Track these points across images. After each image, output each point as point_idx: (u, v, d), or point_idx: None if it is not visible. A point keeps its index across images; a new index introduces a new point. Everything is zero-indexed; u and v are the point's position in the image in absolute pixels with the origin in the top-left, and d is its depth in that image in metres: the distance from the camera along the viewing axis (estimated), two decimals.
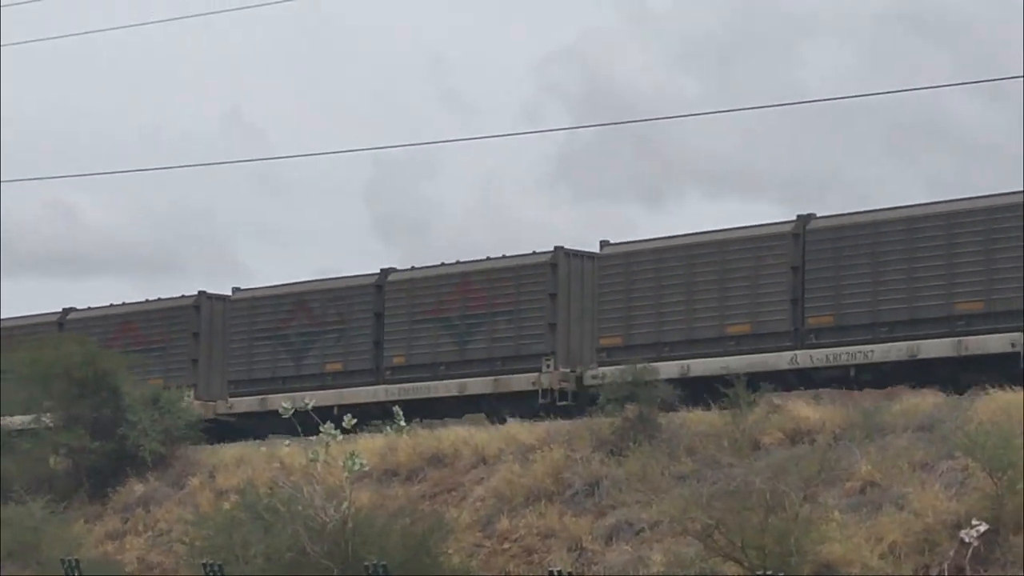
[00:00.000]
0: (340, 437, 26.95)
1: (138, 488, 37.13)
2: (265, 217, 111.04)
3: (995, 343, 29.63)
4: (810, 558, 22.33)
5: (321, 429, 26.40)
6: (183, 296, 42.69)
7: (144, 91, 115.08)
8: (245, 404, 40.61)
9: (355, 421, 27.55)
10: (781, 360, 32.46)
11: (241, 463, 35.59)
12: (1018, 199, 29.51)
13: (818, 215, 34.64)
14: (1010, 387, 27.19)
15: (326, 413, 30.37)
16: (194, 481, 36.39)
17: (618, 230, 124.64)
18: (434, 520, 26.88)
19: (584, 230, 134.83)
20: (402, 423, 28.58)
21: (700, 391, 32.05)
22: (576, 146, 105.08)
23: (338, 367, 39.59)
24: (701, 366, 33.25)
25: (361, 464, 26.94)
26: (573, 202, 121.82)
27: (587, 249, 37.77)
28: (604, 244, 36.24)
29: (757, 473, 24.60)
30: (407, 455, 32.98)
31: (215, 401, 41.17)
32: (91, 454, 38.60)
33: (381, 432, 31.79)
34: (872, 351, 31.91)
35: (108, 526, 36.14)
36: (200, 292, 42.12)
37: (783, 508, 22.76)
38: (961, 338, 30.28)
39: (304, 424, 27.94)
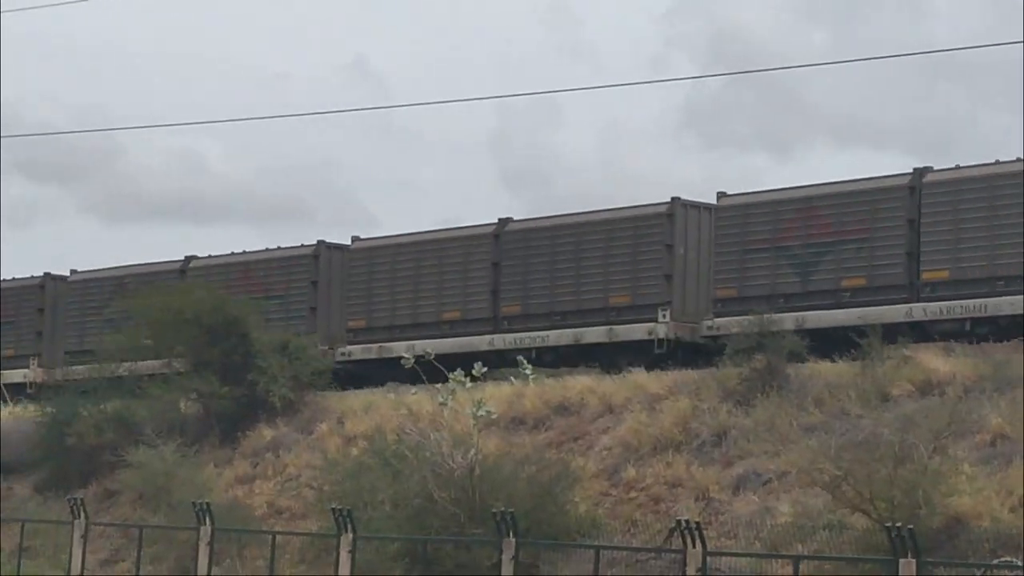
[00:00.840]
0: (468, 384, 26.91)
1: (267, 433, 37.58)
2: (390, 167, 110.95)
3: None
4: (939, 511, 21.80)
5: (450, 376, 26.30)
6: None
7: (271, 39, 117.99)
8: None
9: (485, 369, 27.63)
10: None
11: (369, 409, 35.51)
12: None
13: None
14: None
15: (445, 362, 29.17)
16: (323, 427, 36.64)
17: (743, 181, 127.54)
18: (560, 468, 27.03)
19: (709, 181, 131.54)
20: (528, 372, 28.26)
21: (816, 344, 31.41)
22: (702, 96, 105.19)
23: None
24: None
25: (488, 412, 27.19)
26: (698, 152, 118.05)
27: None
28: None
29: (886, 425, 24.09)
30: (533, 404, 32.85)
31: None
32: (221, 399, 38.83)
33: (507, 381, 31.82)
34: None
35: (237, 471, 36.61)
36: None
37: (912, 460, 22.30)
38: None
39: (423, 374, 27.89)
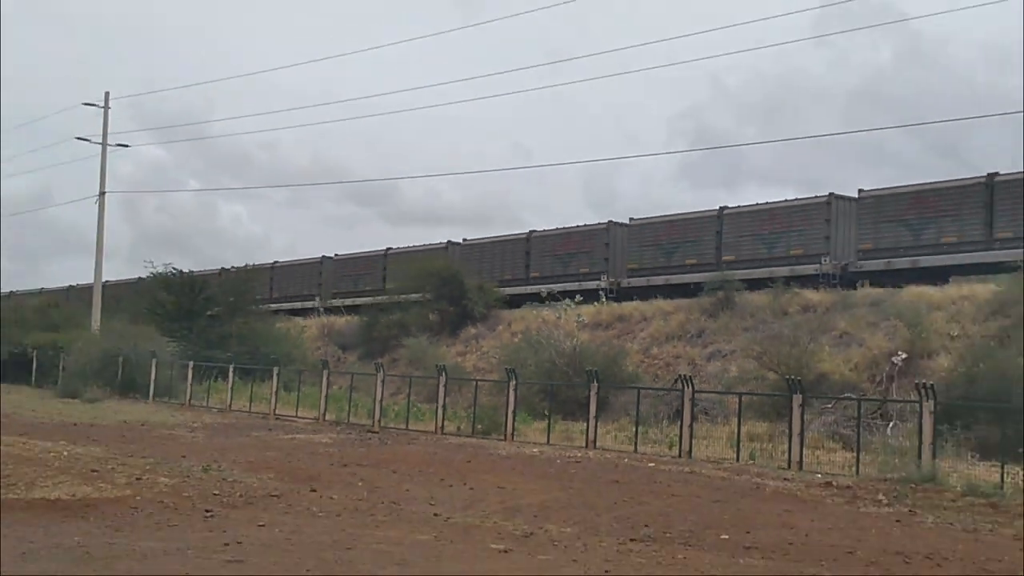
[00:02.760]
0: (574, 305, 38.15)
1: (472, 331, 48.52)
2: None
3: None
4: (813, 371, 29.82)
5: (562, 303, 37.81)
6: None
7: None
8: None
9: (580, 299, 38.72)
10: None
11: (523, 318, 44.52)
12: None
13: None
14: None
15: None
16: (500, 327, 47.14)
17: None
18: (619, 349, 36.57)
19: None
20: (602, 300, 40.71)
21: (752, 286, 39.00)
22: None
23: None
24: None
25: (582, 319, 38.28)
26: None
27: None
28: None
29: (785, 327, 33.29)
30: (606, 316, 42.45)
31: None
32: (449, 313, 49.22)
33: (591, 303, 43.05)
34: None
35: (457, 349, 46.89)
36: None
37: (799, 344, 31.05)
38: None
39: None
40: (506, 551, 11.79)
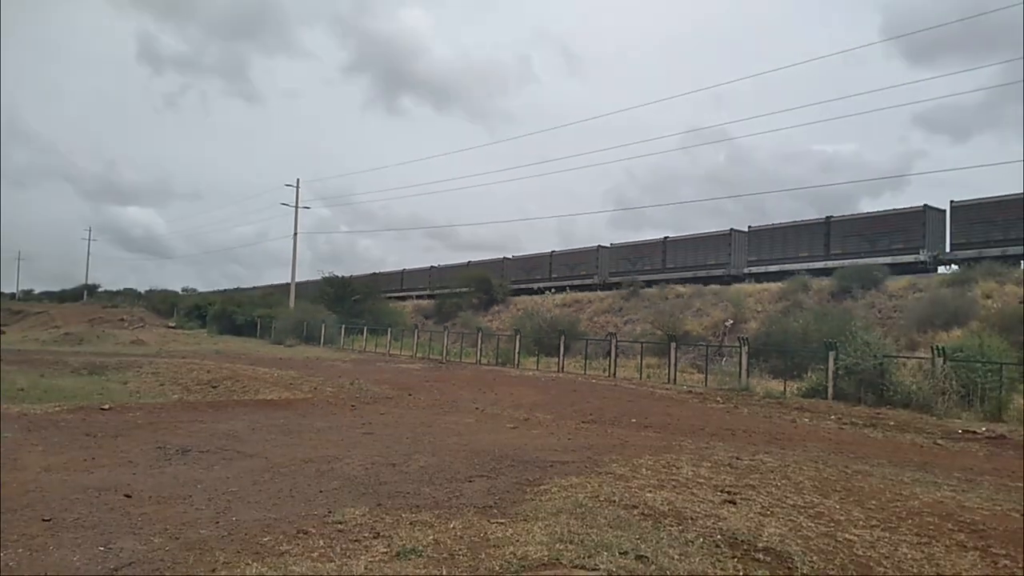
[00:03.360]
0: (551, 294, 37.43)
1: (497, 308, 44.91)
2: None
3: None
4: (682, 330, 29.16)
5: (546, 294, 36.96)
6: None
7: None
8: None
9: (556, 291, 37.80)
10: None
11: (524, 302, 42.44)
12: None
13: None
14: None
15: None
16: (512, 307, 43.71)
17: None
18: (575, 318, 35.84)
19: None
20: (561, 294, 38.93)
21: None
22: None
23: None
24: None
25: (556, 302, 37.26)
26: None
27: None
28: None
29: (662, 306, 33.31)
30: (569, 299, 40.11)
31: None
32: (483, 298, 45.84)
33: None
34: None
35: (488, 318, 43.21)
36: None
37: (674, 316, 31.06)
38: None
39: None
40: (515, 427, 12.07)
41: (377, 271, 62.35)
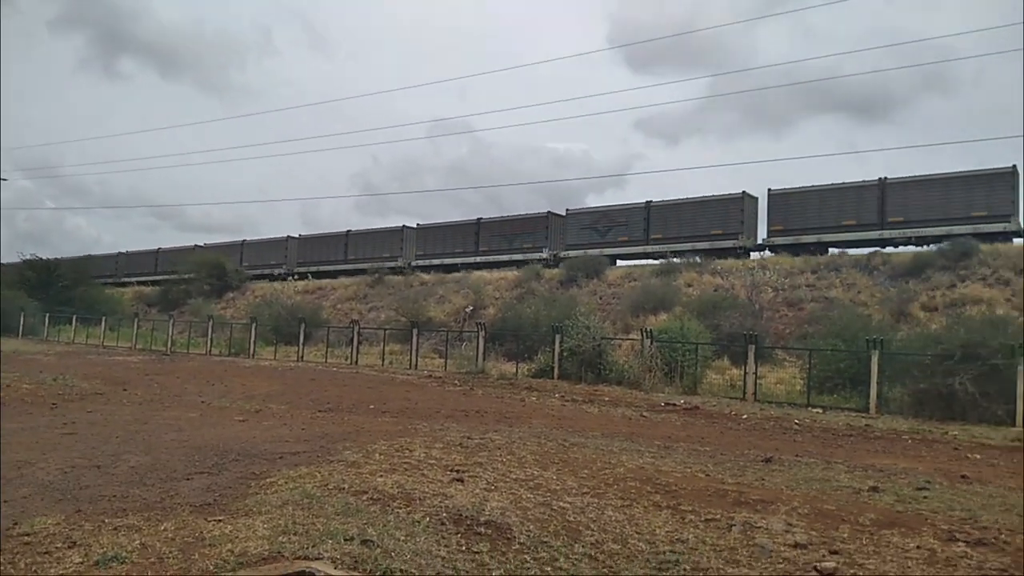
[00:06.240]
0: (294, 280, 36.19)
1: (231, 295, 42.17)
2: None
3: None
4: (425, 316, 29.24)
5: (287, 280, 35.61)
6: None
7: None
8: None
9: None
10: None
11: (262, 288, 40.59)
12: None
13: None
14: None
15: None
16: (248, 293, 41.58)
17: None
18: (319, 304, 35.16)
19: None
20: None
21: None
22: None
23: None
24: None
25: (297, 288, 36.53)
26: None
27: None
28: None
29: (411, 293, 33.48)
30: (313, 287, 39.63)
31: None
32: (216, 284, 42.96)
33: None
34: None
35: (221, 305, 40.51)
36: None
37: (418, 302, 31.08)
38: None
39: None
40: (244, 420, 11.50)
41: (91, 253, 56.79)
